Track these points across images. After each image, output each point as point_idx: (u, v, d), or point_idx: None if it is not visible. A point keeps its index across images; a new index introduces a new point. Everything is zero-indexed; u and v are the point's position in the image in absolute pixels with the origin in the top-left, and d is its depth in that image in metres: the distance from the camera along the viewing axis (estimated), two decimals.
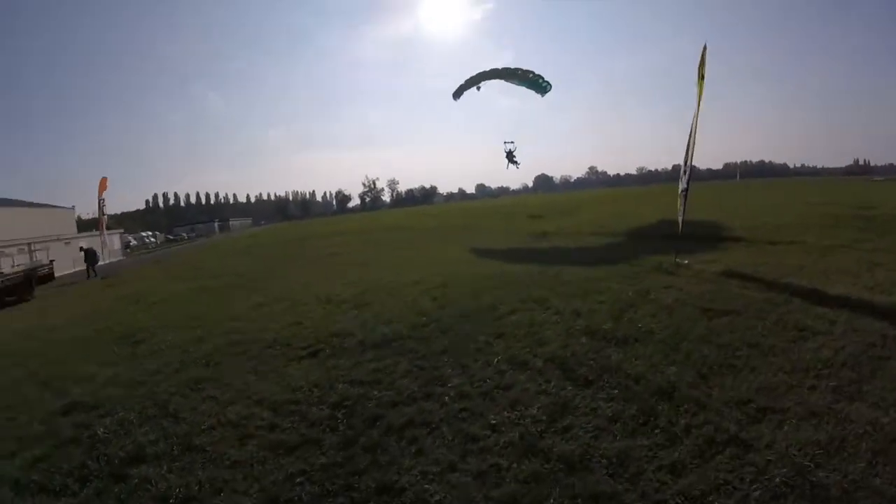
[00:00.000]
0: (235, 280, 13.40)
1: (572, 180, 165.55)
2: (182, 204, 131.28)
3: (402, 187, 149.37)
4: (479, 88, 14.87)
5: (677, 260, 9.98)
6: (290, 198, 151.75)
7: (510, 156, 16.34)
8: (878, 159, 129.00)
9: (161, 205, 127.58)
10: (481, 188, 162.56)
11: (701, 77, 9.70)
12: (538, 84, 14.66)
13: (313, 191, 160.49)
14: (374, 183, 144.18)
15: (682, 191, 10.93)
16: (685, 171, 10.77)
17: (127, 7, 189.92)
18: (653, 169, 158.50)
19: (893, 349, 4.65)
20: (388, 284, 9.79)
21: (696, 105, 9.87)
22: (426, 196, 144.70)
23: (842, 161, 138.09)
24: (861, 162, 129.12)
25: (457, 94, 15.28)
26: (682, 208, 10.99)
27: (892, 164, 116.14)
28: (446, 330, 6.34)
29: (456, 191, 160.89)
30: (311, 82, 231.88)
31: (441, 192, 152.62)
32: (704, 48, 9.74)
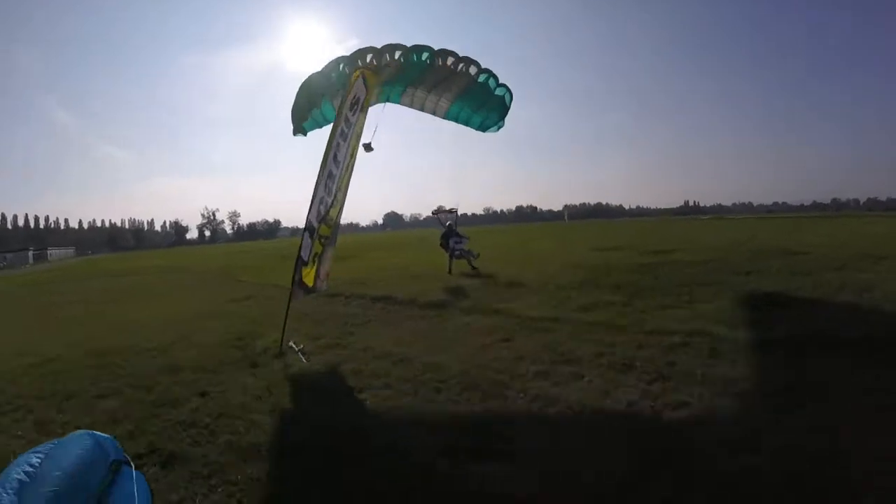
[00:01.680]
0: None
1: (422, 219, 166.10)
2: (9, 226, 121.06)
3: (247, 219, 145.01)
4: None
5: (291, 344, 6.73)
6: (127, 226, 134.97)
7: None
8: (706, 200, 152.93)
9: None
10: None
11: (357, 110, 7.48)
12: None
13: (152, 220, 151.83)
14: (213, 214, 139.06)
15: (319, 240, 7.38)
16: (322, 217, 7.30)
17: None
18: (498, 210, 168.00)
19: None
20: None
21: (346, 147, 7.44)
22: (269, 230, 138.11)
23: (675, 202, 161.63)
24: (691, 203, 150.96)
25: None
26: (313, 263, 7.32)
27: (719, 204, 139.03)
28: None
29: (303, 225, 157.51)
30: (163, 104, 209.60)
31: (288, 225, 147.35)
32: (359, 75, 7.21)
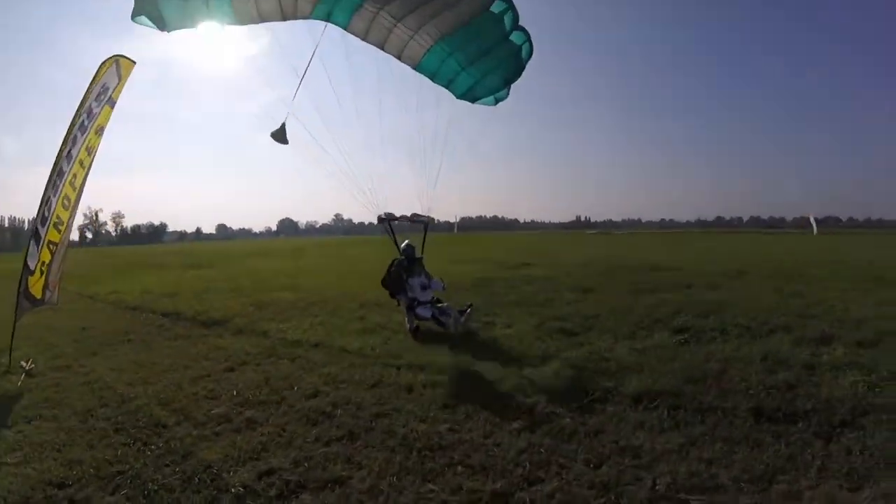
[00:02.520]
0: None
1: (318, 226, 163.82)
2: None
3: (133, 221, 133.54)
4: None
5: (22, 363, 6.12)
6: (7, 224, 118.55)
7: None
8: (597, 215, 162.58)
9: None
10: (222, 228, 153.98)
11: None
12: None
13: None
14: (96, 214, 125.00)
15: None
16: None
17: None
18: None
19: None
20: None
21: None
22: (154, 233, 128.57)
23: (568, 217, 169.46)
24: (582, 218, 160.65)
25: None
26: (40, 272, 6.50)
27: (609, 220, 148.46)
28: None
29: (193, 229, 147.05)
30: (49, 89, 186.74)
31: (176, 229, 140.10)
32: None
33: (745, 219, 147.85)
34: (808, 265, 13.97)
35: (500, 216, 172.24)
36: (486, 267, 14.78)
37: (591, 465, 3.32)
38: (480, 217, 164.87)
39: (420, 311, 6.69)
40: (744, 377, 4.83)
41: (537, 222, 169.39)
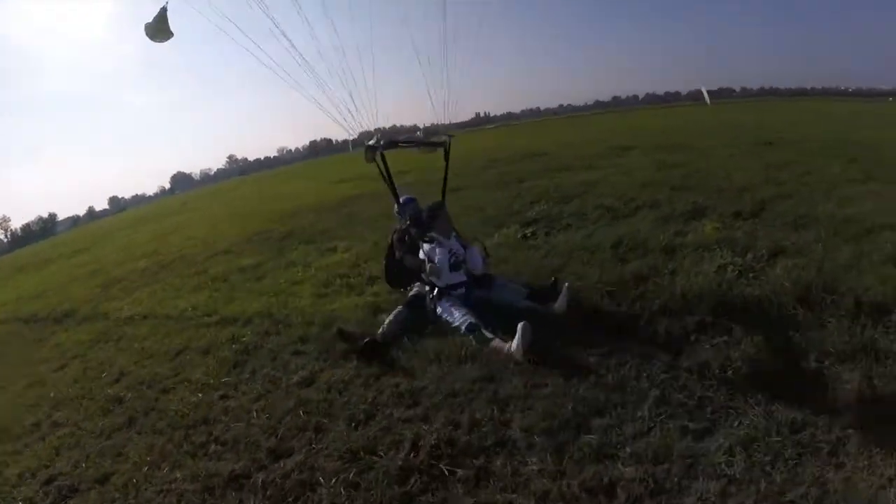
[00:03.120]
0: None
1: (213, 173, 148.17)
2: None
3: (20, 222, 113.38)
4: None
5: None
6: None
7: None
8: (495, 110, 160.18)
9: None
10: (114, 201, 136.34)
11: None
12: None
13: None
14: None
15: None
16: None
17: None
18: (292, 148, 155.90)
19: None
20: None
21: None
22: (44, 227, 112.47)
23: (466, 116, 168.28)
24: (482, 114, 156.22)
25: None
26: None
27: (509, 112, 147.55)
28: None
29: (84, 211, 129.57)
30: None
31: (69, 215, 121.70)
32: None
33: (641, 96, 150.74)
34: (697, 136, 13.45)
35: (399, 125, 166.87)
36: (360, 184, 12.81)
37: (353, 425, 2.71)
38: (379, 129, 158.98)
39: (444, 308, 3.59)
40: (583, 274, 3.80)
41: (436, 124, 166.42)
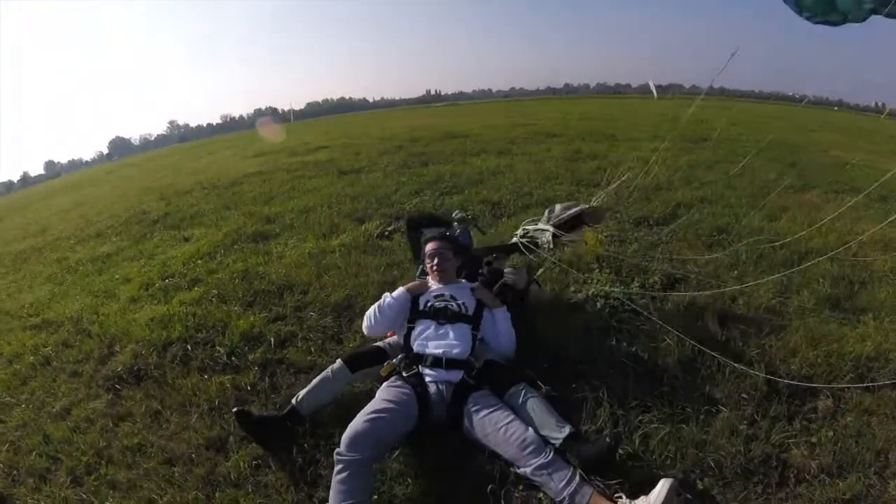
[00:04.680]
0: None
1: (153, 138, 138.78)
2: None
3: None
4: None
5: None
6: None
7: None
8: (447, 88, 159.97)
9: None
10: (50, 166, 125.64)
11: None
12: None
13: None
14: None
15: None
16: None
17: None
18: (235, 116, 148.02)
19: None
20: None
21: None
22: None
23: (416, 93, 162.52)
24: (433, 92, 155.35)
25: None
26: None
27: (461, 91, 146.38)
28: None
29: (18, 177, 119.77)
30: None
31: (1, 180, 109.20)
32: None
33: (593, 85, 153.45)
34: (628, 127, 13.18)
35: (346, 97, 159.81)
36: (272, 159, 11.72)
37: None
38: (326, 100, 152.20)
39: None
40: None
41: (387, 99, 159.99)
